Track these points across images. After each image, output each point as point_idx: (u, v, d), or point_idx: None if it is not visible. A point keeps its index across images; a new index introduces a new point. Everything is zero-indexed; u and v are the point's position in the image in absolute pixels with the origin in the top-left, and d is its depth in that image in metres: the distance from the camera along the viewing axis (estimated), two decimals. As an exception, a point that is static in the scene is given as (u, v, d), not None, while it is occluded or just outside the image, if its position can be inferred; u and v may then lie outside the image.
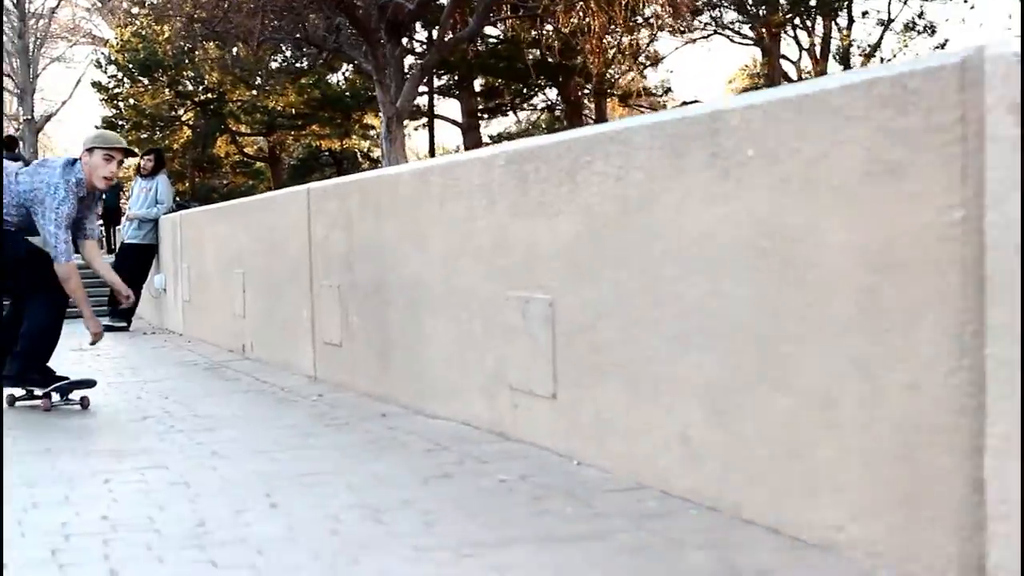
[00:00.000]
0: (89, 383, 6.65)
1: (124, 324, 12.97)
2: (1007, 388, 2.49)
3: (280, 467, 4.46)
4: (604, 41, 23.28)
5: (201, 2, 22.20)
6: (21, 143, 20.91)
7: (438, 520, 3.51)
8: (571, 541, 3.21)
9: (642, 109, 32.18)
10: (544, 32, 25.26)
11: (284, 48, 30.66)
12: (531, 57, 27.32)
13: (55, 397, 6.53)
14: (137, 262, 13.17)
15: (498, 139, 34.23)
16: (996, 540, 2.54)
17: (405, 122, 25.53)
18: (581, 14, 21.52)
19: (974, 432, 2.58)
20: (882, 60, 30.88)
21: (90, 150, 6.56)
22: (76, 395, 6.59)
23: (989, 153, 2.51)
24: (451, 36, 24.13)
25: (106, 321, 12.97)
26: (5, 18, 22.03)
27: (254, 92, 32.59)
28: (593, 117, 30.17)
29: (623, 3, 20.72)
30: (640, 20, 24.06)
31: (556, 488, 3.86)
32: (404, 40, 24.58)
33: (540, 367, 4.48)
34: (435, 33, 25.89)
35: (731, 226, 3.33)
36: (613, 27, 22.38)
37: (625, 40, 25.16)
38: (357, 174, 7.45)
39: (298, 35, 23.59)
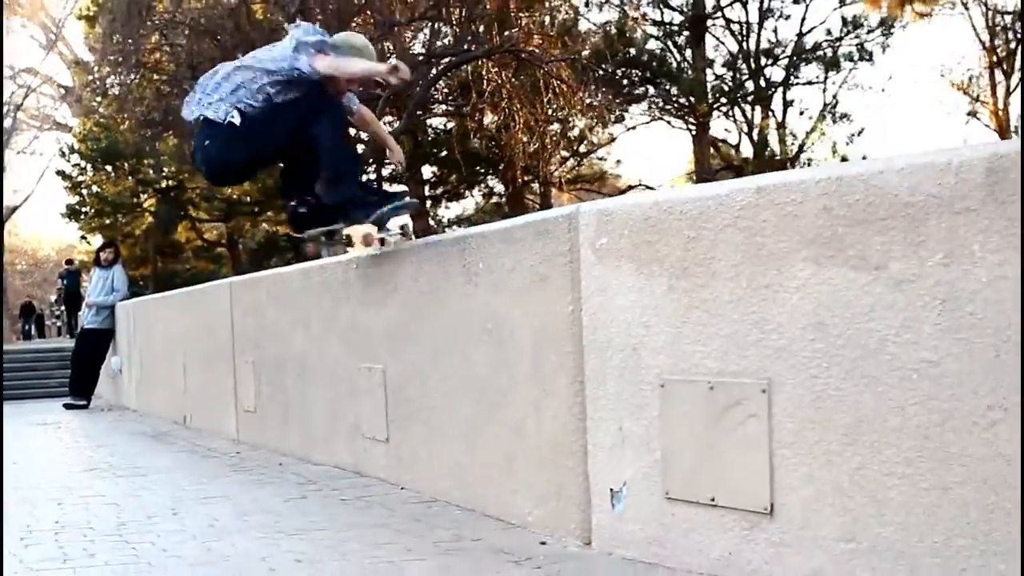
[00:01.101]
0: (411, 205, 6.09)
1: (84, 402, 14.45)
2: (600, 413, 4.16)
3: (187, 494, 6.09)
4: (533, 133, 25.23)
5: (152, 102, 24.06)
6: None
7: (284, 519, 5.15)
8: (370, 527, 4.86)
9: (586, 195, 34.14)
10: (472, 126, 27.35)
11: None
12: (473, 147, 29.44)
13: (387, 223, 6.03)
14: (96, 345, 14.72)
15: (456, 223, 36.22)
16: (597, 510, 4.20)
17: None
18: (507, 110, 23.54)
19: (584, 443, 4.25)
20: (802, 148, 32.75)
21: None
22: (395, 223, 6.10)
23: (583, 270, 4.21)
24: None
25: (67, 400, 14.55)
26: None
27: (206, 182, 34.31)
28: (538, 203, 32.13)
29: (545, 100, 22.77)
30: (565, 113, 26.11)
31: (375, 502, 5.51)
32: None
33: (379, 418, 6.14)
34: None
35: (471, 315, 5.02)
36: (537, 121, 24.36)
37: (556, 129, 27.27)
38: (266, 271, 9.13)
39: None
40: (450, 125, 30.80)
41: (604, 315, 4.09)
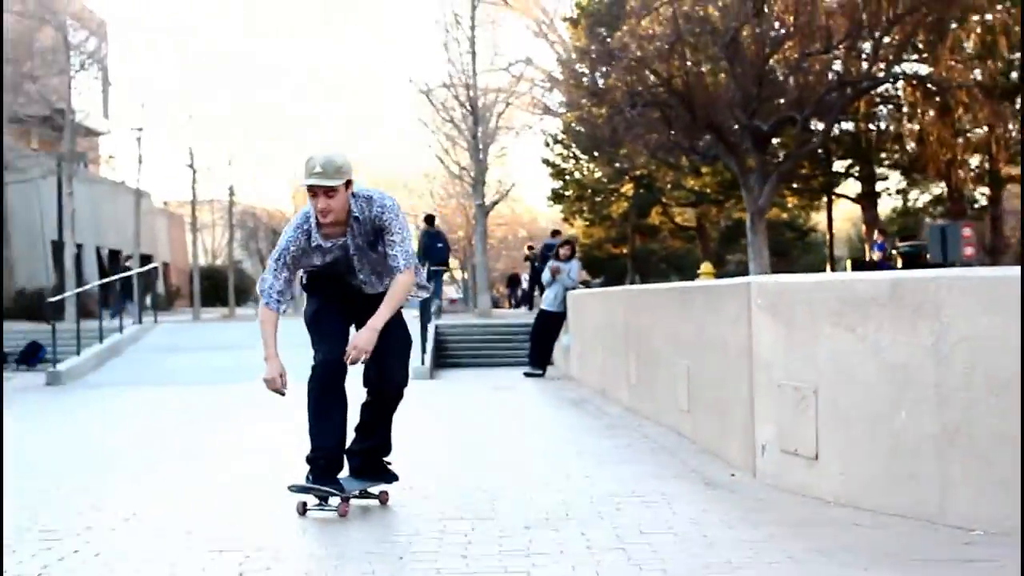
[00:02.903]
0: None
1: (540, 372, 18.42)
2: (758, 401, 7.24)
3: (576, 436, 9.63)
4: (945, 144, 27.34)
5: (615, 99, 28.11)
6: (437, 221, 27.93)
7: (610, 465, 8.57)
8: (621, 449, 8.16)
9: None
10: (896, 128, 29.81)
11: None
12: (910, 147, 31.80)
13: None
14: (551, 325, 18.68)
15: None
16: (756, 457, 7.28)
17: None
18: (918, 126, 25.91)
19: (752, 417, 7.35)
20: None
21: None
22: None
23: (752, 317, 7.30)
24: (803, 148, 29.32)
25: (526, 369, 18.56)
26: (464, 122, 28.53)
27: (674, 173, 38.36)
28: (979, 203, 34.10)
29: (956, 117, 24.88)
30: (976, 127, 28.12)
31: (639, 435, 8.79)
32: (764, 150, 29.43)
33: (683, 396, 9.38)
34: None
35: (716, 335, 8.20)
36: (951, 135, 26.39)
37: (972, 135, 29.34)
38: (640, 287, 12.53)
39: (687, 145, 29.28)
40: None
41: (759, 344, 7.17)
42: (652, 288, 11.29)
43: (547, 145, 40.79)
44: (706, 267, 26.81)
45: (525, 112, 34.20)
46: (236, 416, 12.84)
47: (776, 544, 5.32)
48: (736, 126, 27.51)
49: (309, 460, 6.30)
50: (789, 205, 44.71)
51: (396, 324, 6.44)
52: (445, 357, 21.65)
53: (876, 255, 31.18)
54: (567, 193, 41.63)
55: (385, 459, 6.71)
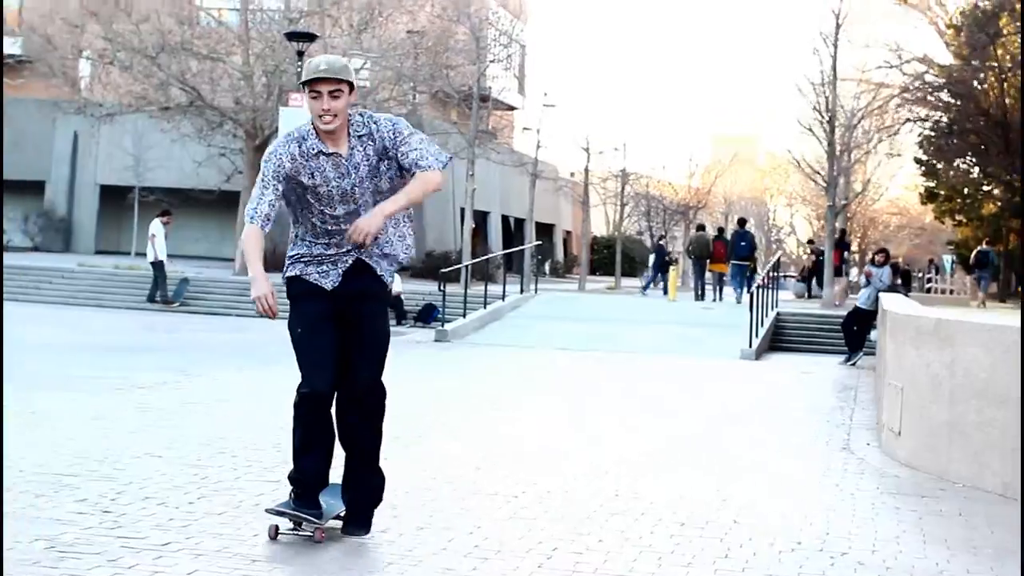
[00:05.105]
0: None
1: (853, 362, 21.25)
2: (886, 399, 10.54)
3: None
4: None
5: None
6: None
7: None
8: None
9: None
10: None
11: None
12: None
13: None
14: (864, 320, 21.54)
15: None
16: (886, 437, 10.59)
17: None
18: None
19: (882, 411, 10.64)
20: None
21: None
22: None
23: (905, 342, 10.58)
24: None
25: (843, 359, 21.46)
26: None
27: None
28: None
29: None
30: None
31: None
32: None
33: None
34: None
35: (927, 359, 11.48)
36: None
37: None
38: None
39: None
40: None
41: (894, 360, 10.45)
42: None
43: (920, 146, 42.15)
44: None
45: (894, 114, 36.35)
46: (587, 375, 16.92)
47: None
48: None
49: (291, 480, 6.06)
50: None
51: (372, 314, 6.05)
52: (781, 341, 24.80)
53: None
54: (940, 193, 43.05)
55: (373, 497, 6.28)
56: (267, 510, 6.09)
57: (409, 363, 16.69)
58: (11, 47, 43.87)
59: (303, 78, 5.75)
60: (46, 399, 10.96)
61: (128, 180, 41.71)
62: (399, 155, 5.82)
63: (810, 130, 31.54)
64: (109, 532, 6.08)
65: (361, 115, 5.89)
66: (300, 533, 6.02)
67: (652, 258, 41.67)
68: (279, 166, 5.79)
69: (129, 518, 6.40)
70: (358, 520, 6.17)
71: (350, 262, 5.99)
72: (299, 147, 5.80)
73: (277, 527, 5.99)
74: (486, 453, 9.42)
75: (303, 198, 5.92)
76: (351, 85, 5.76)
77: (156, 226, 27.02)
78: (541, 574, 5.79)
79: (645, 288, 38.77)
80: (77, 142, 44.35)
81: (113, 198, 44.16)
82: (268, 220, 5.76)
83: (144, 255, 29.83)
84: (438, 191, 5.93)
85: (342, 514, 6.17)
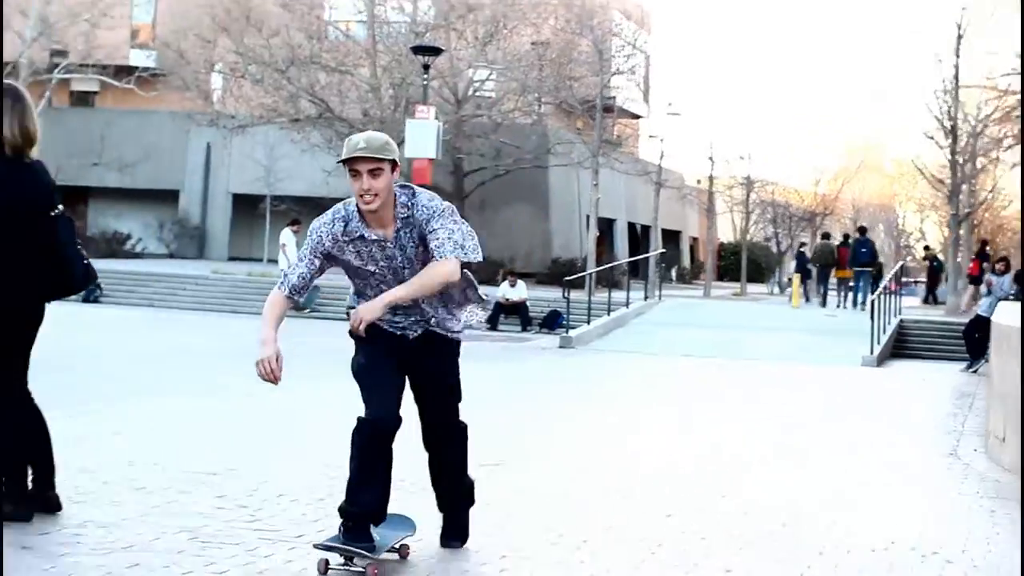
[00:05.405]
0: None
1: (974, 369, 21.31)
2: (991, 410, 10.77)
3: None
4: None
5: None
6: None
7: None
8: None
9: None
10: None
11: None
12: None
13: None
14: (983, 329, 21.52)
15: None
16: (992, 444, 10.83)
17: None
18: None
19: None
20: None
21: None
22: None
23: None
24: None
25: (959, 367, 21.54)
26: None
27: None
28: None
29: None
30: None
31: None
32: None
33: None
34: None
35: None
36: None
37: None
38: None
39: None
40: None
41: (998, 368, 10.69)
42: None
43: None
44: None
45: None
46: (708, 384, 17.34)
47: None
48: None
49: (342, 512, 5.76)
50: None
51: (442, 372, 6.05)
52: (904, 347, 24.81)
53: None
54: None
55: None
56: (315, 545, 5.78)
57: (533, 369, 17.20)
58: (146, 60, 46.05)
59: (342, 155, 5.60)
60: (189, 403, 11.88)
61: (259, 189, 42.93)
62: (428, 240, 5.64)
63: (932, 139, 31.43)
64: (247, 525, 6.62)
65: (405, 193, 5.68)
66: (352, 568, 5.70)
67: (794, 265, 41.22)
68: (319, 243, 5.73)
69: (265, 512, 6.97)
70: (454, 530, 6.29)
71: (420, 332, 5.92)
72: (343, 228, 5.69)
73: (327, 561, 5.65)
74: (604, 462, 9.95)
75: (357, 272, 5.83)
76: (393, 163, 5.56)
77: (287, 235, 27.82)
78: (647, 565, 6.26)
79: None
80: (210, 152, 45.76)
81: (245, 207, 45.43)
82: (296, 291, 5.74)
83: (275, 262, 30.79)
84: (450, 280, 5.65)
85: (397, 545, 5.96)
